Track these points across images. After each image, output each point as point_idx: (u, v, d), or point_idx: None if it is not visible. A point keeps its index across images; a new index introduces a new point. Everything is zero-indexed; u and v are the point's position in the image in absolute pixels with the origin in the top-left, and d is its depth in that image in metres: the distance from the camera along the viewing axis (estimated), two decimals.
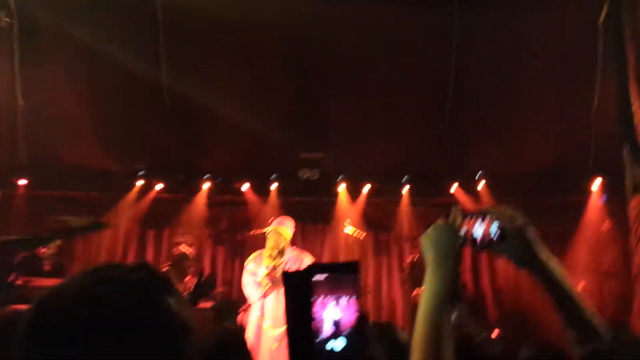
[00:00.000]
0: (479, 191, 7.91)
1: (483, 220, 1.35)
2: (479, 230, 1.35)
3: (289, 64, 7.02)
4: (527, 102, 7.02)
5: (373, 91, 7.12)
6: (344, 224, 7.37)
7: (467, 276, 7.76)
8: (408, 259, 7.60)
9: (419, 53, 6.73)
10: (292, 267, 4.64)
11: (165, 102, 6.93)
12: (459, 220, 1.37)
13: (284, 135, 7.42)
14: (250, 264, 4.86)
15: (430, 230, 1.37)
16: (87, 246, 7.97)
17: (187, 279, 7.31)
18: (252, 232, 7.49)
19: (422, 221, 7.98)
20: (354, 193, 8.03)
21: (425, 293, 1.35)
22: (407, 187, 7.99)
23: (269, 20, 6.21)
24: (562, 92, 6.82)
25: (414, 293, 6.55)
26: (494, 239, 1.33)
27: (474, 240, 1.36)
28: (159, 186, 7.94)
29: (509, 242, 1.33)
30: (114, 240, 8.10)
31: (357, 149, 7.59)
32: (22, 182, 7.73)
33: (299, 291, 1.67)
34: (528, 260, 1.33)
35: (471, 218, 1.37)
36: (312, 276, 1.66)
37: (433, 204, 7.98)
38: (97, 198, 7.91)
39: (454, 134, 7.26)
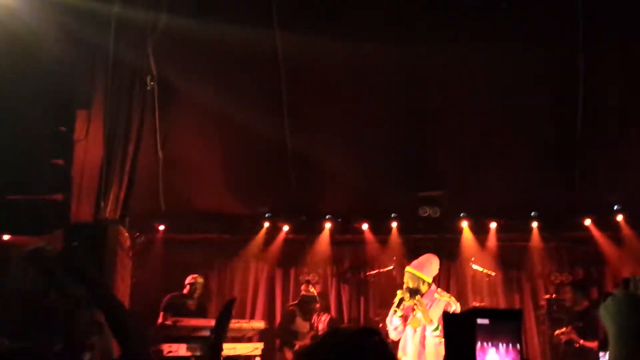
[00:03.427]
0: (616, 225, 7.38)
1: None
2: None
3: (404, 109, 7.15)
4: None
5: (496, 129, 6.98)
6: (471, 261, 7.20)
7: None
8: (545, 297, 7.21)
9: (545, 88, 6.56)
10: (436, 309, 4.59)
11: (288, 150, 7.29)
12: (639, 288, 1.34)
13: (402, 175, 7.47)
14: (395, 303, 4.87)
15: (609, 301, 1.34)
16: (221, 285, 8.44)
17: (314, 318, 7.46)
18: (375, 272, 7.55)
19: (554, 257, 7.57)
20: (478, 229, 7.81)
21: None
22: (535, 222, 7.65)
23: (383, 68, 6.39)
24: None
25: (556, 332, 6.14)
26: None
27: None
28: (286, 227, 8.25)
29: None
30: (245, 279, 8.50)
31: (479, 185, 7.43)
32: (161, 227, 8.32)
33: (460, 333, 1.68)
34: None
35: None
36: (475, 319, 1.66)
37: (565, 239, 7.55)
38: (228, 240, 8.37)
39: (585, 165, 6.89)
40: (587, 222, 7.52)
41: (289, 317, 7.53)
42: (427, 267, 4.81)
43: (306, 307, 7.44)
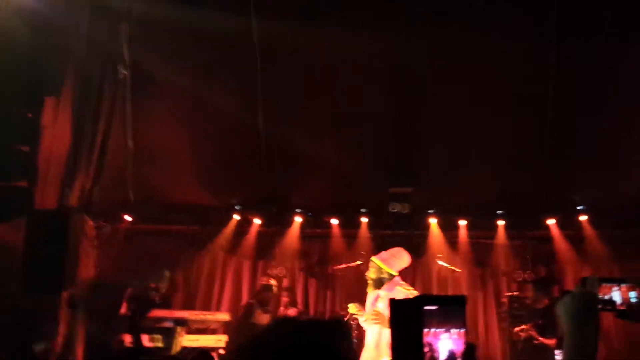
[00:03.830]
0: (579, 224, 7.56)
1: (622, 287, 1.38)
2: (617, 296, 1.37)
3: (380, 102, 7.16)
4: (629, 132, 6.71)
5: (466, 129, 7.06)
6: (437, 257, 7.30)
7: None
8: (507, 294, 7.36)
9: (516, 84, 6.65)
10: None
11: (261, 142, 7.26)
12: (596, 287, 1.38)
13: (374, 170, 7.52)
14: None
15: (567, 298, 1.37)
16: (187, 278, 8.38)
17: (281, 309, 7.49)
18: (343, 266, 7.60)
19: (519, 255, 7.73)
20: (446, 227, 7.92)
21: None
22: (502, 221, 7.79)
23: (363, 61, 6.40)
24: None
25: (515, 329, 6.28)
26: (633, 306, 1.35)
27: (612, 305, 1.37)
28: (257, 220, 8.22)
29: None
30: (212, 272, 8.46)
31: (449, 183, 7.52)
32: (128, 217, 8.22)
33: (408, 319, 1.73)
34: None
35: (609, 284, 1.38)
36: (422, 306, 1.71)
37: (529, 238, 7.70)
38: (197, 231, 8.32)
39: (552, 166, 7.03)
40: (550, 221, 7.69)
41: (248, 310, 7.53)
42: (391, 260, 4.87)
43: (263, 296, 7.48)
